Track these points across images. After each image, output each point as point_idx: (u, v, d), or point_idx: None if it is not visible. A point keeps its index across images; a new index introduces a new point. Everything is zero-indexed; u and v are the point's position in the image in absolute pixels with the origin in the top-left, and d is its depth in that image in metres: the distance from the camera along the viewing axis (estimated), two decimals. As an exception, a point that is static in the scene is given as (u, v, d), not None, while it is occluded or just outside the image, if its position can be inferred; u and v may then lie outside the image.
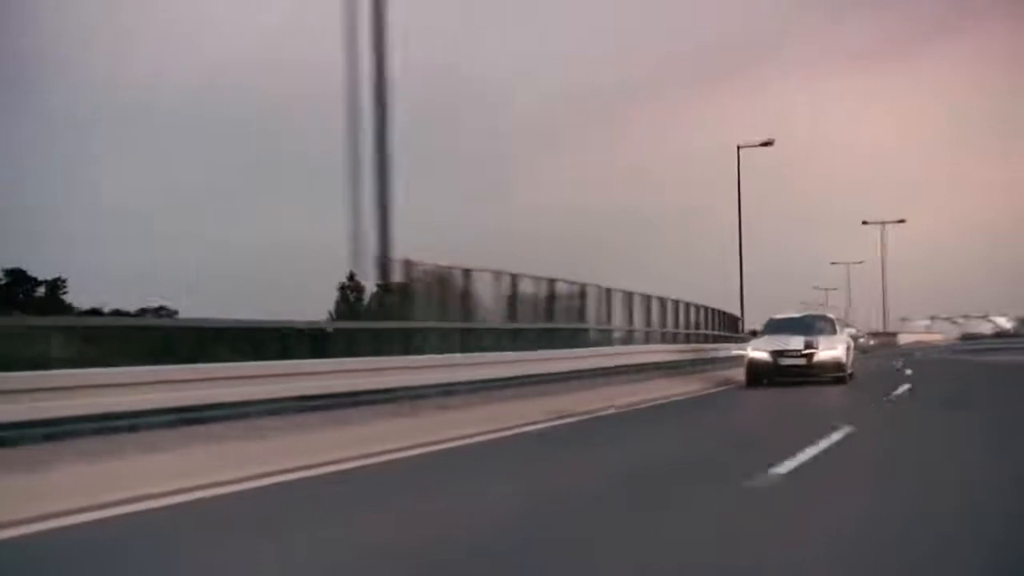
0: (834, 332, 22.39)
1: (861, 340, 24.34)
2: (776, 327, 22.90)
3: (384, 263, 16.31)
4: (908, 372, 27.23)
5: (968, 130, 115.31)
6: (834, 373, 21.14)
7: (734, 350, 26.83)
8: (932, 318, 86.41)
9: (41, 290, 57.45)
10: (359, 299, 55.20)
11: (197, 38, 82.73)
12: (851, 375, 22.91)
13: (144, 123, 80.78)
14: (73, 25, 79.37)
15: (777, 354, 21.26)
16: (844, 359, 21.40)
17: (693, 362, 25.41)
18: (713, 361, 27.23)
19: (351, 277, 53.27)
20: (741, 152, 38.59)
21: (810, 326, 22.56)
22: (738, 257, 39.44)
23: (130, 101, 79.96)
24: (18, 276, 56.55)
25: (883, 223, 55.91)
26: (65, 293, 57.62)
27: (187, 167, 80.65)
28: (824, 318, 23.55)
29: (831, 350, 21.30)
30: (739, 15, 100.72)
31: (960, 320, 71.50)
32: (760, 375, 21.44)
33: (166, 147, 79.21)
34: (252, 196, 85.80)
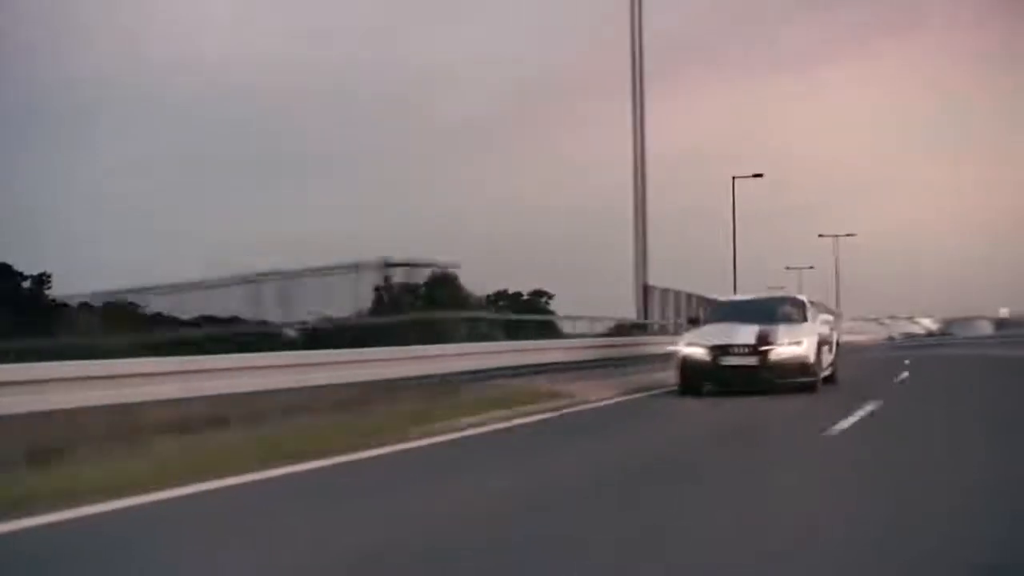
0: (803, 320, 16.38)
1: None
2: (726, 313, 16.90)
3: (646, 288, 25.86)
4: (906, 376, 21.15)
5: (900, 135, 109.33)
6: (798, 377, 15.16)
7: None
8: (860, 319, 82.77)
9: (27, 284, 56.24)
10: (392, 300, 54.36)
11: (197, 37, 78.94)
12: (830, 378, 16.91)
13: (147, 119, 77.52)
14: (72, 22, 75.60)
15: (718, 350, 15.28)
16: (812, 358, 15.37)
17: (625, 360, 19.51)
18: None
19: (386, 279, 53.02)
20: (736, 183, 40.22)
21: (770, 312, 16.56)
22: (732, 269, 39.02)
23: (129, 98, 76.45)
24: (3, 271, 54.68)
25: (836, 236, 58.74)
26: (49, 288, 56.08)
27: (184, 163, 77.60)
28: (792, 301, 17.45)
29: (794, 346, 15.27)
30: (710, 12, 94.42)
31: (887, 321, 68.37)
32: (696, 378, 15.52)
33: (164, 143, 75.88)
34: (250, 193, 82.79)
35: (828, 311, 18.81)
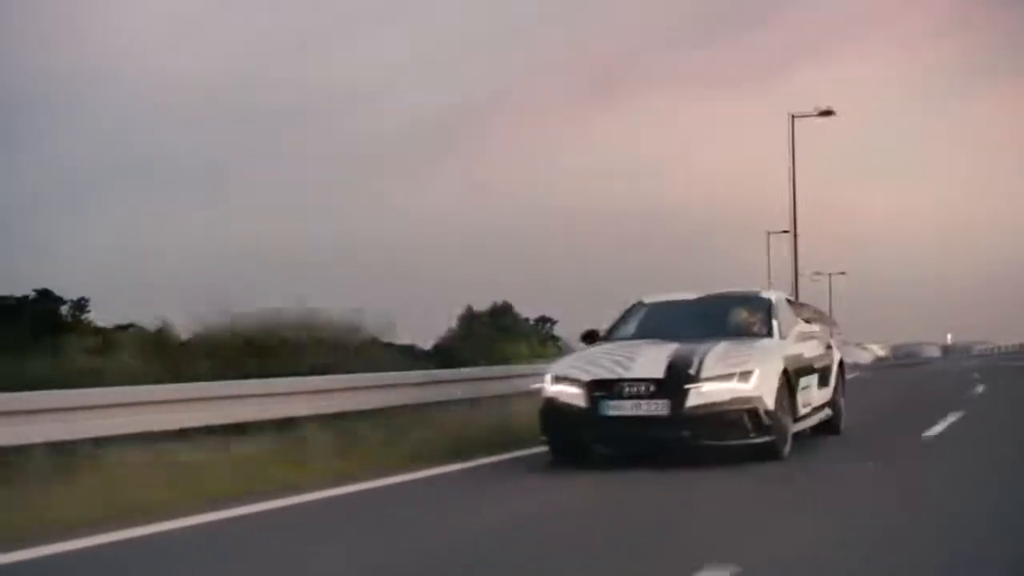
0: (764, 333, 9.70)
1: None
2: (642, 323, 10.29)
3: None
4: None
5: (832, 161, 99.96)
6: (741, 437, 8.58)
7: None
8: None
9: (65, 309, 53.94)
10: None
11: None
12: (828, 426, 10.62)
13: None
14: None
15: (600, 389, 8.72)
16: (770, 400, 8.69)
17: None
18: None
19: (469, 309, 53.47)
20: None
21: (715, 321, 9.88)
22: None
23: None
24: (45, 295, 52.02)
25: (830, 274, 59.29)
26: (88, 312, 53.62)
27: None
28: (751, 302, 10.38)
29: (737, 380, 8.62)
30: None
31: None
32: (567, 436, 8.99)
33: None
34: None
35: (818, 317, 12.01)
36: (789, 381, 9.17)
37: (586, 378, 8.83)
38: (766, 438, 8.64)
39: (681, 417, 8.47)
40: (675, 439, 8.53)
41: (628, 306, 10.58)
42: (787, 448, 8.98)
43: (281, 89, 79.90)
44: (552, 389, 9.03)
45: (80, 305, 54.83)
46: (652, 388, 8.57)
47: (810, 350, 10.14)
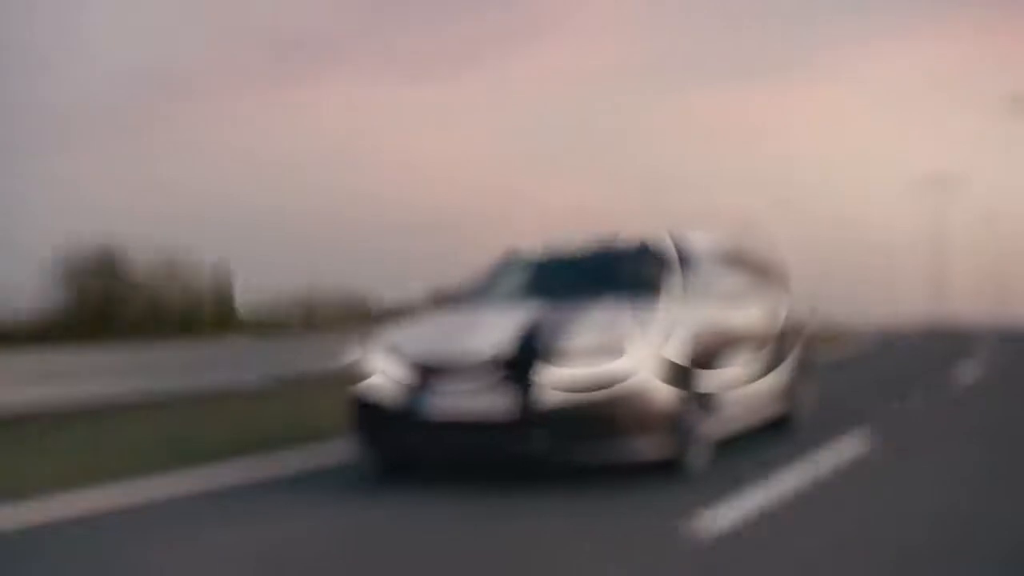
0: (658, 293, 6.81)
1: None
2: (511, 284, 7.52)
3: None
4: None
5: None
6: (613, 446, 5.69)
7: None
8: None
9: None
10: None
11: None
12: (788, 419, 7.89)
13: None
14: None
15: (421, 378, 5.93)
16: (656, 390, 5.82)
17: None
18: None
19: None
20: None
21: (609, 279, 7.06)
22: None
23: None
24: None
25: None
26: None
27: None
28: (646, 253, 7.24)
29: (619, 361, 5.77)
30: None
31: None
32: (386, 444, 6.17)
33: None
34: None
35: (752, 266, 8.82)
36: (692, 359, 6.35)
37: (408, 361, 6.05)
38: (661, 446, 5.84)
39: (531, 419, 5.68)
40: (523, 453, 5.73)
41: (499, 259, 7.76)
42: (701, 460, 6.19)
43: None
44: (375, 369, 6.16)
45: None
46: (488, 374, 5.79)
47: (742, 316, 7.29)
